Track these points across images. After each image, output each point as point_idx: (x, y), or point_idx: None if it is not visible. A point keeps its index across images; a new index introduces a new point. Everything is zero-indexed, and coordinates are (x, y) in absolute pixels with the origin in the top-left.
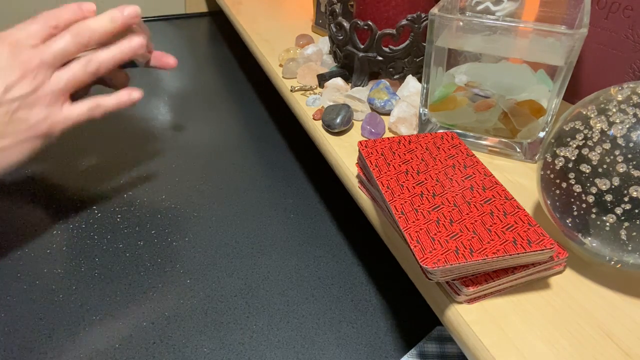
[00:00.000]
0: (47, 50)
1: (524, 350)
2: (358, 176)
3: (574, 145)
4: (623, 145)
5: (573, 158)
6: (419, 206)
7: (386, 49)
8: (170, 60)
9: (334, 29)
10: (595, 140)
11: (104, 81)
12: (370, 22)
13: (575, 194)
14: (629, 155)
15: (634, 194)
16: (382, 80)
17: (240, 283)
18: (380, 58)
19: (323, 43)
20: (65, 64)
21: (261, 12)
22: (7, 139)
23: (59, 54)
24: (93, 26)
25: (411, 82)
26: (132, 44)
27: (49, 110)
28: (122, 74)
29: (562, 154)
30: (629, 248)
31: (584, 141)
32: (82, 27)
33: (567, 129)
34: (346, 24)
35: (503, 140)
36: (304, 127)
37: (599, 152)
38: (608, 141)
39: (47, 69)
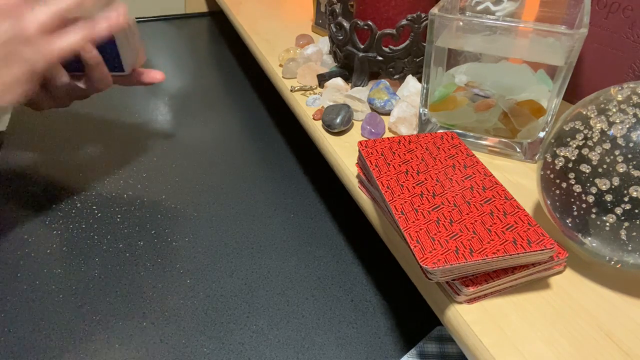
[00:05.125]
0: None
1: (524, 350)
2: (358, 176)
3: (574, 145)
4: (623, 145)
5: (573, 158)
6: (419, 206)
7: (386, 49)
8: (157, 75)
9: (334, 29)
10: (595, 140)
11: (90, 88)
12: (370, 22)
13: (575, 194)
14: (629, 155)
15: (634, 194)
16: (382, 80)
17: (240, 283)
18: (380, 58)
19: (323, 43)
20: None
21: (261, 12)
22: (5, 76)
23: None
24: None
25: (411, 82)
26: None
27: (38, 44)
28: (107, 77)
29: (562, 154)
30: (629, 248)
31: (584, 141)
32: None
33: (567, 129)
34: (346, 24)
35: (503, 140)
36: (304, 127)
37: (599, 152)
38: (608, 141)
39: (24, 5)
